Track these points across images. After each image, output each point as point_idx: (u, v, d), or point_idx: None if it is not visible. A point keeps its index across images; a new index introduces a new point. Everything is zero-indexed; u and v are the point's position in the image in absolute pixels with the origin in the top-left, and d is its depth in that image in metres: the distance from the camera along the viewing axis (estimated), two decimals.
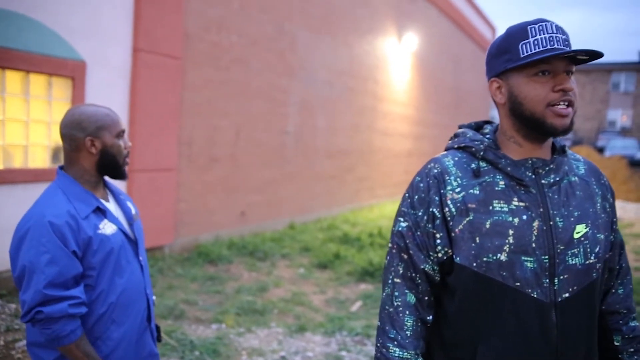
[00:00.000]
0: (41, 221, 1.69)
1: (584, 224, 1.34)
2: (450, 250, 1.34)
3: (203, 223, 7.01)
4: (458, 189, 1.35)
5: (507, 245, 1.28)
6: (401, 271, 1.38)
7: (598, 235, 1.36)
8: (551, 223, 1.31)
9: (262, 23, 7.70)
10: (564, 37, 1.29)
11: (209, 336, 4.19)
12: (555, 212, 1.32)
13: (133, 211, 2.00)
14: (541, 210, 1.31)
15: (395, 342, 1.35)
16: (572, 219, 1.33)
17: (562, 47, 1.27)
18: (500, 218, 1.30)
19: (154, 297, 2.04)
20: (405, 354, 1.34)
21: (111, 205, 1.92)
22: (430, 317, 1.39)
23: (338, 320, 4.68)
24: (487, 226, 1.30)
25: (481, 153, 1.37)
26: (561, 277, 1.30)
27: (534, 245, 1.29)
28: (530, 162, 1.35)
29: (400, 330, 1.35)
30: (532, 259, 1.28)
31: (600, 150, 26.49)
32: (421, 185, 1.39)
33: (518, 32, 1.31)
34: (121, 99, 5.74)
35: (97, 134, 1.82)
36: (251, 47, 7.53)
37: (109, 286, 1.80)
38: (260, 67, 7.74)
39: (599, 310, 1.44)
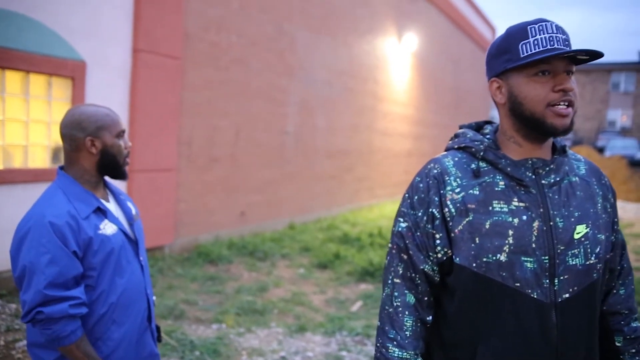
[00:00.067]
0: (41, 221, 1.69)
1: (585, 225, 1.34)
2: (449, 251, 1.34)
3: (203, 223, 7.01)
4: (458, 190, 1.34)
5: (507, 246, 1.28)
6: (401, 271, 1.38)
7: (599, 236, 1.36)
8: (551, 223, 1.31)
9: (261, 23, 7.70)
10: (564, 37, 1.29)
11: (209, 336, 4.19)
12: (555, 212, 1.32)
13: (133, 211, 2.00)
14: (541, 210, 1.31)
15: (395, 342, 1.35)
16: (573, 220, 1.33)
17: (562, 47, 1.27)
18: (500, 218, 1.30)
19: (154, 297, 2.04)
20: (405, 354, 1.34)
21: (111, 206, 1.92)
22: (430, 317, 1.39)
23: (338, 320, 4.68)
24: (487, 226, 1.30)
25: (481, 153, 1.37)
26: (561, 278, 1.29)
27: (534, 245, 1.29)
28: (530, 162, 1.35)
29: (399, 330, 1.35)
30: (532, 260, 1.28)
31: (600, 150, 26.49)
32: (421, 185, 1.39)
33: (518, 32, 1.30)
34: (121, 99, 5.74)
35: (97, 134, 1.82)
36: (251, 47, 7.53)
37: (109, 286, 1.79)
38: (260, 67, 7.74)
39: (600, 310, 1.44)
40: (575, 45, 1.41)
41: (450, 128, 16.04)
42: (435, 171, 1.39)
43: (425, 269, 1.36)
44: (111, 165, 1.86)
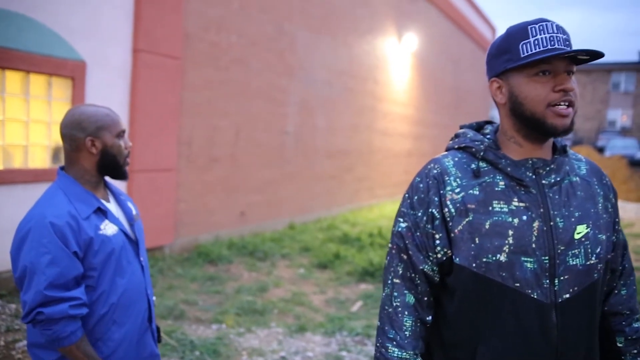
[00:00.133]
0: (42, 222, 1.69)
1: (585, 225, 1.34)
2: (449, 251, 1.34)
3: (203, 223, 7.01)
4: (458, 190, 1.34)
5: (507, 246, 1.28)
6: (400, 271, 1.38)
7: (599, 236, 1.35)
8: (551, 223, 1.30)
9: (261, 23, 7.70)
10: (564, 37, 1.29)
11: (209, 336, 4.19)
12: (555, 212, 1.31)
13: (134, 212, 2.00)
14: (541, 210, 1.31)
15: (394, 342, 1.35)
16: (573, 220, 1.33)
17: (562, 47, 1.27)
18: (500, 218, 1.30)
19: (153, 298, 2.04)
20: (404, 354, 1.34)
21: (112, 206, 1.92)
22: (430, 317, 1.39)
23: (338, 320, 4.68)
24: (487, 227, 1.30)
25: (481, 153, 1.37)
26: (561, 278, 1.29)
27: (534, 245, 1.28)
28: (530, 162, 1.34)
29: (399, 330, 1.35)
30: (532, 260, 1.28)
31: (600, 150, 26.50)
32: (421, 185, 1.39)
33: (518, 32, 1.30)
34: (121, 99, 5.74)
35: (98, 134, 1.82)
36: (251, 47, 7.53)
37: (110, 287, 1.79)
38: (260, 67, 7.74)
39: (601, 311, 1.44)
40: (576, 45, 1.41)
41: (450, 128, 16.04)
42: (435, 171, 1.38)
43: (425, 269, 1.36)
44: (111, 165, 1.86)
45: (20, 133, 4.93)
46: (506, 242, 1.28)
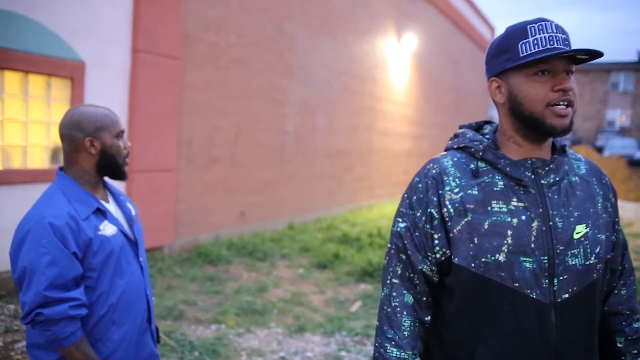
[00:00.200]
0: (41, 222, 1.69)
1: (584, 224, 1.33)
2: (448, 251, 1.34)
3: (202, 223, 7.00)
4: (456, 190, 1.34)
5: (506, 246, 1.28)
6: (399, 272, 1.38)
7: (599, 236, 1.35)
8: (550, 223, 1.30)
9: (261, 23, 7.70)
10: (563, 36, 1.28)
11: (208, 337, 4.19)
12: (554, 212, 1.31)
13: (133, 212, 2.00)
14: (540, 210, 1.31)
15: (393, 342, 1.35)
16: (572, 219, 1.32)
17: (562, 46, 1.27)
18: (499, 218, 1.30)
19: (152, 298, 2.03)
20: (403, 354, 1.34)
21: (111, 206, 1.92)
22: (429, 317, 1.39)
23: (337, 320, 4.68)
24: (486, 227, 1.30)
25: (480, 153, 1.37)
26: (561, 278, 1.29)
27: (533, 245, 1.28)
28: (529, 162, 1.34)
29: (397, 330, 1.35)
30: (531, 260, 1.28)
31: (599, 150, 26.52)
32: (420, 185, 1.39)
33: (517, 32, 1.30)
34: (120, 99, 5.74)
35: (97, 134, 1.82)
36: (251, 48, 7.53)
37: (109, 287, 1.79)
38: (259, 67, 7.74)
39: (601, 311, 1.44)
40: (575, 44, 1.41)
41: (449, 128, 16.04)
42: (434, 171, 1.38)
43: (424, 269, 1.36)
44: (111, 165, 1.86)
45: (20, 133, 4.93)
46: (505, 242, 1.28)
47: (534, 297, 1.28)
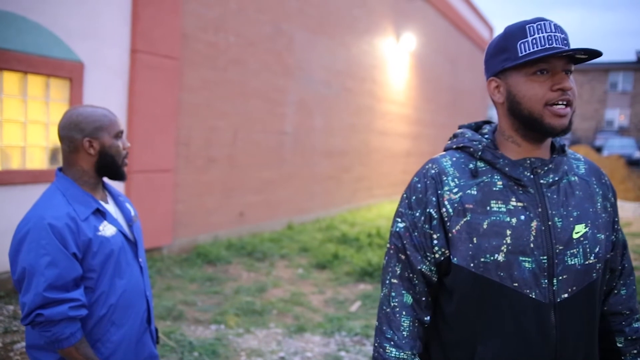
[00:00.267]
0: (41, 223, 1.68)
1: (584, 224, 1.33)
2: (447, 251, 1.34)
3: (201, 224, 7.00)
4: (455, 190, 1.34)
5: (505, 246, 1.28)
6: (398, 272, 1.38)
7: (598, 236, 1.35)
8: (550, 223, 1.30)
9: (259, 23, 7.70)
10: (562, 36, 1.28)
11: (207, 337, 4.19)
12: (554, 212, 1.31)
13: (132, 213, 2.00)
14: (539, 210, 1.31)
15: (392, 343, 1.35)
16: (571, 219, 1.32)
17: (560, 46, 1.26)
18: (498, 218, 1.30)
19: (152, 299, 2.03)
20: (402, 354, 1.34)
21: (110, 207, 1.92)
22: (428, 317, 1.39)
23: (337, 320, 4.68)
24: (485, 226, 1.29)
25: (479, 153, 1.36)
26: (560, 278, 1.29)
27: (532, 245, 1.28)
28: (528, 162, 1.34)
29: (396, 330, 1.35)
30: (530, 260, 1.28)
31: (598, 149, 26.56)
32: (418, 186, 1.39)
33: (516, 31, 1.30)
34: (119, 99, 5.74)
35: (95, 134, 1.81)
36: (249, 48, 7.52)
37: (109, 288, 1.79)
38: (257, 68, 7.74)
39: (600, 311, 1.43)
40: (574, 44, 1.41)
41: (448, 128, 16.05)
42: (433, 171, 1.38)
43: (423, 269, 1.36)
44: (110, 166, 1.85)
45: (18, 134, 4.92)
46: (504, 241, 1.28)
47: (533, 297, 1.27)
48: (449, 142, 1.47)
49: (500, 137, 1.40)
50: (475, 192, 1.33)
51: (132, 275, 1.87)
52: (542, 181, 1.33)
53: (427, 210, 1.35)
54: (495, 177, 1.34)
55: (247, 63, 7.51)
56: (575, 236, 1.31)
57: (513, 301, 1.28)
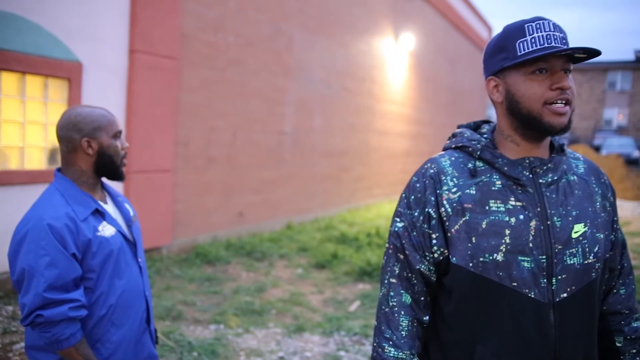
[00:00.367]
0: (40, 224, 1.68)
1: (583, 224, 1.33)
2: (446, 251, 1.34)
3: (200, 224, 7.00)
4: (454, 189, 1.34)
5: (504, 245, 1.28)
6: (397, 271, 1.38)
7: (597, 235, 1.35)
8: (549, 222, 1.30)
9: (258, 23, 7.70)
10: (561, 35, 1.28)
11: (207, 337, 4.19)
12: (553, 211, 1.31)
13: (131, 213, 1.99)
14: (538, 209, 1.30)
15: (391, 342, 1.35)
16: (571, 219, 1.32)
17: (559, 45, 1.26)
18: (497, 218, 1.30)
19: (151, 299, 2.03)
20: (400, 354, 1.34)
21: (109, 207, 1.91)
22: (427, 317, 1.39)
23: (336, 320, 4.68)
24: (484, 226, 1.29)
25: (478, 153, 1.36)
26: (559, 277, 1.29)
27: (531, 245, 1.28)
28: (527, 161, 1.34)
29: (395, 330, 1.35)
30: (529, 259, 1.28)
31: (597, 149, 26.58)
32: (417, 185, 1.39)
33: (515, 30, 1.30)
34: (117, 100, 5.73)
35: (94, 134, 1.81)
36: (248, 48, 7.52)
37: (108, 288, 1.79)
38: (257, 68, 7.74)
39: (600, 310, 1.43)
40: (573, 43, 1.41)
41: (447, 127, 16.06)
42: (432, 171, 1.38)
43: (422, 269, 1.36)
44: (108, 166, 1.85)
45: (17, 134, 4.92)
46: (503, 241, 1.28)
47: (533, 296, 1.27)
48: (448, 141, 1.47)
49: (499, 137, 1.39)
50: (474, 192, 1.33)
51: (132, 275, 1.87)
52: (541, 180, 1.33)
53: (426, 209, 1.35)
54: (494, 176, 1.34)
55: (246, 63, 7.51)
56: (574, 236, 1.31)
57: (512, 301, 1.28)
